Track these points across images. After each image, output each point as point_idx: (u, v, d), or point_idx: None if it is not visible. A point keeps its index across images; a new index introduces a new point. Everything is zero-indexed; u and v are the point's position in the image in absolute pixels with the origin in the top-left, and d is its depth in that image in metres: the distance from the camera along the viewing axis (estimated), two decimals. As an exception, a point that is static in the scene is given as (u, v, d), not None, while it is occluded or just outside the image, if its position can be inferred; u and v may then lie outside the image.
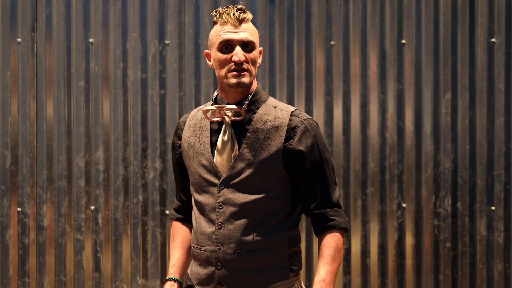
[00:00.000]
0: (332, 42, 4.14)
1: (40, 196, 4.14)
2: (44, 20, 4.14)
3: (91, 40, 4.15)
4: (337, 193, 2.41)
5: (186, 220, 2.58)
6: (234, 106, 2.37)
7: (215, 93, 2.45)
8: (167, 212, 4.13)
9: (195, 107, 4.11)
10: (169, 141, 4.12)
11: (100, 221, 4.14)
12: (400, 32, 4.14)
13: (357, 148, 4.13)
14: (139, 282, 4.14)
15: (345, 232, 2.39)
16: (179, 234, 2.57)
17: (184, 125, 2.50)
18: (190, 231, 2.56)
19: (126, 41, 4.14)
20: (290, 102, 4.09)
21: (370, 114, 4.13)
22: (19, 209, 4.15)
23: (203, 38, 4.13)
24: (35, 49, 4.15)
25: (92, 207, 4.14)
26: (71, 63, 4.14)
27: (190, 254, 2.54)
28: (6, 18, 4.14)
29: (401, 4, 4.13)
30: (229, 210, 2.36)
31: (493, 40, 4.12)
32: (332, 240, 2.36)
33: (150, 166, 4.13)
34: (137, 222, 4.13)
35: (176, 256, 2.55)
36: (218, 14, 2.37)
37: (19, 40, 4.14)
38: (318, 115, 4.12)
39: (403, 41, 4.13)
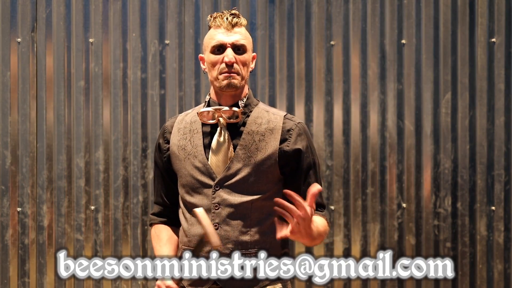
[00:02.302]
0: (332, 42, 4.14)
1: (40, 196, 4.14)
2: (44, 20, 4.14)
3: (91, 40, 4.15)
4: (323, 196, 2.48)
5: (170, 223, 2.56)
6: (233, 108, 2.40)
7: (208, 97, 2.47)
8: (167, 212, 4.13)
9: (195, 107, 4.12)
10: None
11: (100, 221, 4.14)
12: (400, 32, 4.14)
13: (357, 148, 4.13)
14: (139, 282, 4.14)
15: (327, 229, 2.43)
16: (164, 233, 2.55)
17: (172, 128, 2.51)
18: (175, 233, 2.56)
19: (126, 41, 4.14)
20: (290, 102, 4.10)
21: (370, 114, 4.13)
22: (19, 209, 4.15)
23: (203, 38, 4.12)
24: (35, 49, 4.15)
25: (92, 207, 4.14)
26: (71, 63, 4.14)
27: (177, 252, 2.53)
28: (6, 18, 4.15)
29: (401, 4, 4.13)
30: (226, 210, 2.38)
31: (493, 40, 4.12)
32: (318, 218, 2.39)
33: (150, 166, 4.13)
34: (137, 222, 4.13)
35: (166, 252, 2.51)
36: (212, 19, 2.43)
37: (19, 40, 4.14)
38: (318, 115, 4.12)
39: (403, 41, 4.13)
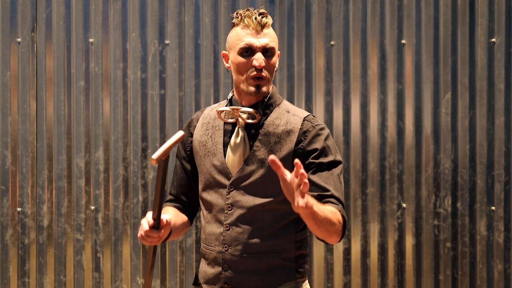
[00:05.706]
0: (332, 42, 4.14)
1: (40, 196, 4.14)
2: (44, 20, 4.14)
3: (91, 40, 4.15)
4: (342, 195, 2.35)
5: (181, 209, 2.52)
6: (249, 109, 2.36)
7: (230, 94, 2.45)
8: (167, 212, 4.13)
9: (195, 107, 4.12)
10: (169, 141, 4.12)
11: (100, 221, 4.14)
12: (400, 32, 4.14)
13: (357, 148, 4.13)
14: (139, 282, 4.14)
15: (344, 222, 2.27)
16: (171, 210, 2.49)
17: (197, 122, 2.49)
18: (185, 217, 2.51)
19: (126, 41, 4.14)
20: (290, 102, 4.09)
21: (370, 114, 4.13)
22: (19, 209, 4.15)
23: (203, 38, 4.13)
24: (35, 49, 4.15)
25: (92, 207, 4.14)
26: (71, 63, 4.14)
27: (181, 225, 2.48)
28: (6, 18, 4.15)
29: (401, 4, 4.13)
30: (237, 212, 2.36)
31: (493, 40, 4.12)
32: (330, 208, 2.24)
33: (150, 166, 4.13)
34: (137, 222, 4.13)
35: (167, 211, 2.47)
36: (239, 17, 2.36)
37: (19, 40, 4.14)
38: (318, 115, 4.12)
39: (403, 41, 4.13)
